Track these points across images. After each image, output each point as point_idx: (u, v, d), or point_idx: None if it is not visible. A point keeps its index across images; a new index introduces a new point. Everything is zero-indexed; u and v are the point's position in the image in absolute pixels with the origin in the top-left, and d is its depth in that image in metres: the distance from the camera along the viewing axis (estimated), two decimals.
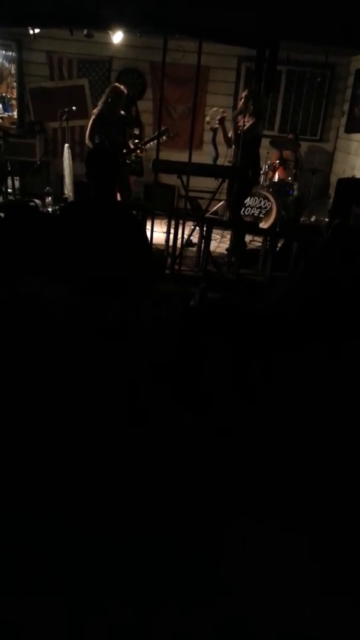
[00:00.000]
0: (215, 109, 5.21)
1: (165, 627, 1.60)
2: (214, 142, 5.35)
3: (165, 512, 2.04)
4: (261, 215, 6.17)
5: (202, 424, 2.56)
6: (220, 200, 5.94)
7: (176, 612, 1.64)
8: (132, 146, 5.38)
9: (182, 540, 1.91)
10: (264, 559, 1.88)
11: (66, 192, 6.25)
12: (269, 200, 6.12)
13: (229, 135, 5.22)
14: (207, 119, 5.34)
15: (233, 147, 5.22)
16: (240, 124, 4.99)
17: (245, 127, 4.93)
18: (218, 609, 1.67)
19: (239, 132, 4.97)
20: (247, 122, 4.98)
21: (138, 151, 5.38)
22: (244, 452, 2.41)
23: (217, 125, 5.23)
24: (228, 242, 5.62)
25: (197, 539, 1.93)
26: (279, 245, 4.99)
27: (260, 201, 6.14)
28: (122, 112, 5.22)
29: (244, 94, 5.08)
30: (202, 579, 1.77)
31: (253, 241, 5.85)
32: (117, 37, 6.16)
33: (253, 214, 6.16)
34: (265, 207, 6.15)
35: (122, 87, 5.19)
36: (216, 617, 1.64)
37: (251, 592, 1.75)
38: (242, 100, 5.05)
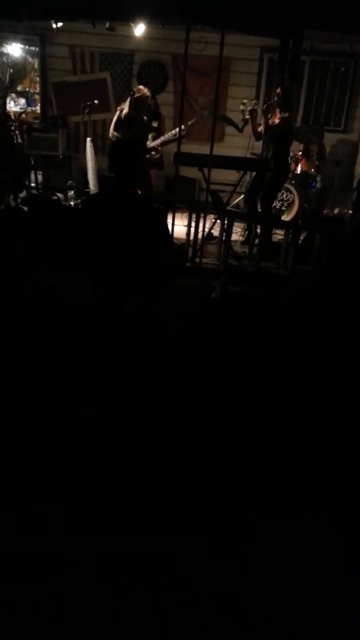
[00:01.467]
0: (248, 100, 5.16)
1: (186, 628, 1.59)
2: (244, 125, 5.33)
3: (184, 508, 2.05)
4: (283, 208, 6.10)
5: (223, 415, 2.57)
6: (242, 194, 5.90)
7: (196, 614, 1.63)
8: (150, 145, 5.42)
9: (198, 538, 1.92)
10: (289, 557, 1.87)
11: (90, 186, 6.28)
12: (291, 193, 6.05)
13: (259, 129, 5.17)
14: (242, 107, 5.28)
15: (262, 141, 5.18)
16: (273, 119, 4.95)
17: (278, 122, 4.89)
18: (242, 614, 1.65)
19: (270, 125, 4.92)
20: (278, 117, 4.92)
21: (153, 153, 5.42)
22: (265, 445, 2.41)
23: (248, 116, 5.19)
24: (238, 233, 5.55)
25: (217, 536, 1.94)
26: (301, 238, 4.94)
27: (283, 193, 6.08)
28: (145, 117, 5.28)
29: (277, 90, 5.02)
30: (223, 578, 1.76)
31: (275, 234, 5.80)
32: (139, 29, 6.14)
33: (275, 206, 6.10)
34: (288, 200, 6.08)
35: (145, 90, 5.23)
36: (240, 623, 1.62)
37: (276, 594, 1.73)
38: (276, 96, 4.98)
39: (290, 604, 1.68)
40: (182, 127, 4.95)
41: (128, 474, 2.17)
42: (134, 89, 5.31)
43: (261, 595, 1.70)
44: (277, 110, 4.96)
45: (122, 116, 5.17)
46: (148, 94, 5.24)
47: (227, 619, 1.61)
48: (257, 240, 5.22)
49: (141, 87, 5.41)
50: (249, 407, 2.62)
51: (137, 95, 5.11)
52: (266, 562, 1.83)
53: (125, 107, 5.17)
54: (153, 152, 5.48)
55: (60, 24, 6.58)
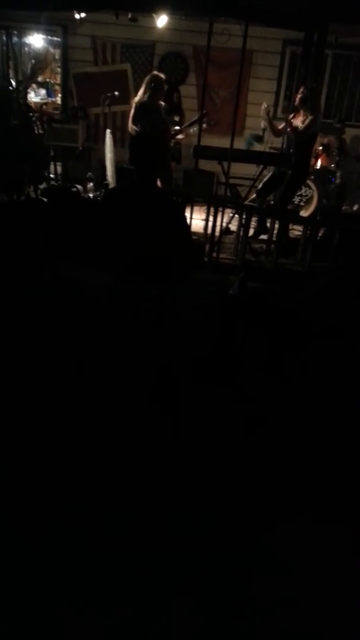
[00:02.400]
0: (264, 106, 5.08)
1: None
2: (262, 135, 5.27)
3: (200, 505, 2.07)
4: (302, 204, 6.06)
5: (238, 412, 2.58)
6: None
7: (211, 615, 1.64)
8: (175, 130, 5.35)
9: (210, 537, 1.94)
10: (306, 558, 1.88)
11: (108, 178, 6.29)
12: (310, 188, 6.00)
13: (279, 127, 5.10)
14: (262, 122, 5.20)
15: (285, 138, 5.14)
16: (297, 122, 4.87)
17: (303, 125, 4.80)
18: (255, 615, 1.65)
19: (295, 129, 4.86)
20: (304, 119, 4.85)
21: (179, 136, 5.35)
22: (280, 444, 2.42)
23: (265, 125, 5.13)
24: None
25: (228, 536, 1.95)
26: (320, 234, 4.90)
27: (301, 189, 6.03)
28: (162, 103, 5.21)
29: (300, 90, 4.93)
30: (238, 580, 1.77)
31: (292, 230, 5.76)
32: (162, 20, 6.11)
33: (293, 201, 6.05)
34: (306, 195, 6.03)
35: (161, 75, 5.16)
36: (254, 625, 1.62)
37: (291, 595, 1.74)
38: (300, 96, 4.90)
39: (298, 601, 1.70)
40: (204, 126, 4.90)
41: (137, 472, 2.18)
42: (148, 76, 5.23)
43: (270, 595, 1.72)
44: (301, 111, 4.86)
45: (137, 104, 5.10)
46: (162, 76, 5.14)
47: (234, 619, 1.63)
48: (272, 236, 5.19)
49: (154, 72, 5.34)
50: (265, 405, 2.63)
51: (152, 84, 5.02)
52: (277, 560, 1.84)
53: (141, 94, 5.11)
54: (179, 135, 5.35)
55: (83, 15, 6.58)
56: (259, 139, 5.66)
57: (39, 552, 1.77)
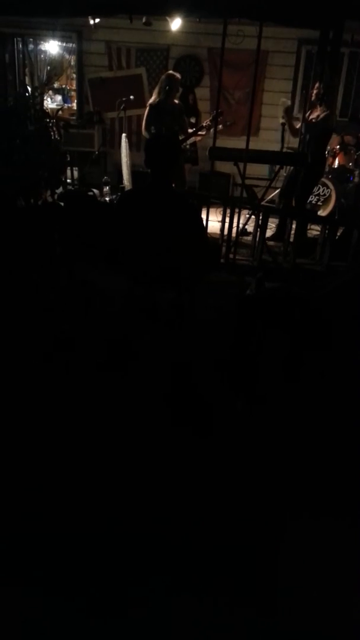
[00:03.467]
0: (282, 100, 5.05)
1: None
2: (282, 136, 5.23)
3: (220, 506, 2.05)
4: (319, 203, 5.99)
5: (257, 413, 2.55)
6: (276, 189, 5.82)
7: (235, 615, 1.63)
8: (190, 132, 5.34)
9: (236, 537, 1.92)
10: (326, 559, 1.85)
11: (124, 182, 6.32)
12: (327, 187, 5.93)
13: (297, 126, 5.08)
14: (282, 121, 5.16)
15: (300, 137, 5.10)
16: (313, 116, 4.85)
17: (318, 120, 4.79)
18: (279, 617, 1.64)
19: (310, 121, 4.83)
20: (319, 114, 4.83)
21: (197, 136, 5.34)
22: (299, 445, 2.38)
23: (283, 120, 5.10)
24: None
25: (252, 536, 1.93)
26: (338, 233, 4.84)
27: (319, 188, 5.96)
28: (176, 101, 5.20)
29: (316, 86, 4.91)
30: (261, 581, 1.75)
31: (310, 229, 5.70)
32: (176, 23, 6.12)
33: (311, 201, 5.99)
34: (324, 194, 5.96)
35: (176, 74, 5.16)
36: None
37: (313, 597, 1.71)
38: (315, 92, 4.88)
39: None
40: (220, 126, 4.89)
41: (150, 473, 2.18)
42: (163, 76, 5.22)
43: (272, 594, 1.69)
44: (317, 106, 4.85)
45: (151, 105, 5.08)
46: (177, 75, 5.14)
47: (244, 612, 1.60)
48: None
49: (170, 72, 5.33)
50: (284, 406, 2.60)
51: (166, 84, 5.02)
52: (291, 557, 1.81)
53: (154, 96, 5.11)
54: (187, 146, 5.40)
55: (97, 20, 6.63)
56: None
57: (47, 544, 1.77)
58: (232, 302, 2.89)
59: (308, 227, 5.44)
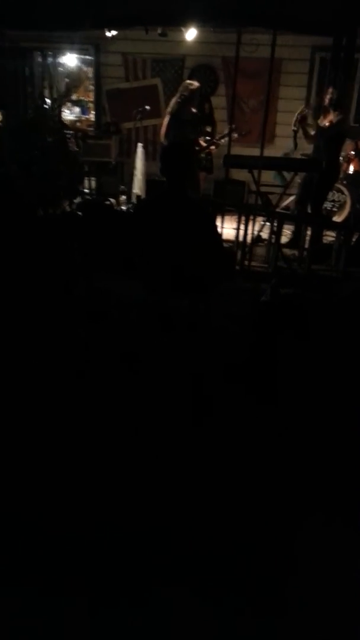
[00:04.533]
0: (302, 109, 5.11)
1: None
2: (295, 142, 5.26)
3: (233, 509, 2.07)
4: (334, 209, 5.99)
5: (274, 418, 2.57)
6: (291, 195, 5.85)
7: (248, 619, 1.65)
8: (203, 144, 5.43)
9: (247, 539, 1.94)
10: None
11: (136, 189, 6.39)
12: (343, 193, 5.93)
13: (312, 132, 5.11)
14: (293, 126, 5.20)
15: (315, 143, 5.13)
16: (326, 122, 4.88)
17: (331, 124, 4.82)
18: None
19: (324, 127, 4.86)
20: (333, 119, 4.86)
21: (212, 147, 5.42)
22: (316, 449, 2.40)
23: (295, 129, 5.13)
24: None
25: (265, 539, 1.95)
26: (354, 239, 4.83)
27: (334, 194, 5.96)
28: (194, 110, 5.28)
29: (329, 91, 4.94)
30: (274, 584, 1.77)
31: (326, 235, 5.71)
32: (191, 34, 6.21)
33: (326, 207, 5.99)
34: (339, 200, 5.96)
35: (195, 83, 5.23)
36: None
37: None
38: (329, 96, 4.91)
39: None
40: (233, 126, 4.96)
41: (160, 475, 2.21)
42: (185, 83, 5.29)
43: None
44: (330, 111, 4.88)
45: (171, 113, 5.15)
46: (195, 84, 5.20)
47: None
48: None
49: (188, 81, 5.40)
50: (299, 409, 2.61)
51: (185, 92, 5.09)
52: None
53: (173, 105, 5.17)
54: (202, 155, 5.49)
55: (114, 33, 6.76)
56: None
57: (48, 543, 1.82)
58: (247, 310, 2.92)
59: (323, 233, 5.45)
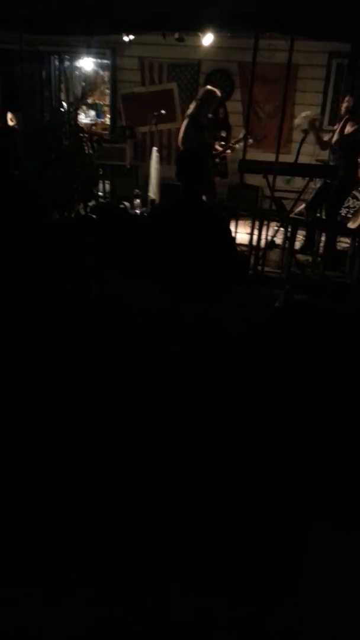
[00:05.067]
0: (306, 113, 5.09)
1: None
2: (300, 144, 5.26)
3: (248, 516, 2.06)
4: (349, 215, 5.95)
5: (281, 424, 2.55)
6: (305, 201, 5.82)
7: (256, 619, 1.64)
8: (219, 148, 5.44)
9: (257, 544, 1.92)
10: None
11: (150, 193, 6.42)
12: (358, 200, 5.90)
13: (325, 139, 5.09)
14: (297, 121, 5.21)
15: (332, 150, 5.11)
16: (343, 128, 4.87)
17: (348, 133, 4.81)
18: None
19: (340, 134, 4.85)
20: (349, 127, 4.84)
21: (228, 151, 5.44)
22: (330, 458, 2.37)
23: (305, 127, 5.12)
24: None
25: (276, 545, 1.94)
26: None
27: (349, 200, 5.93)
28: (210, 116, 5.29)
29: (346, 99, 4.93)
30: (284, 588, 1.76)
31: (340, 242, 5.67)
32: (207, 39, 6.22)
33: (340, 213, 5.96)
34: (354, 207, 5.92)
35: (216, 91, 5.25)
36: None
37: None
38: (345, 104, 4.90)
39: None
40: (250, 140, 4.96)
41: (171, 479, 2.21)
42: (202, 90, 5.33)
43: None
44: (347, 118, 4.85)
45: (189, 118, 5.18)
46: (218, 92, 5.23)
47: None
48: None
49: (208, 86, 5.43)
50: (311, 418, 2.59)
51: (204, 97, 5.14)
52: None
53: (192, 110, 5.20)
54: (217, 160, 5.53)
55: (131, 37, 6.80)
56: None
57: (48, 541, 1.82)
58: (260, 314, 2.91)
59: (337, 240, 5.42)
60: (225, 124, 7.01)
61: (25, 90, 6.48)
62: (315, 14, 4.59)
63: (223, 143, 5.82)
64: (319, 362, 2.66)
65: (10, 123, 6.49)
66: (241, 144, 5.15)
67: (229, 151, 5.51)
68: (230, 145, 5.48)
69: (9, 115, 6.55)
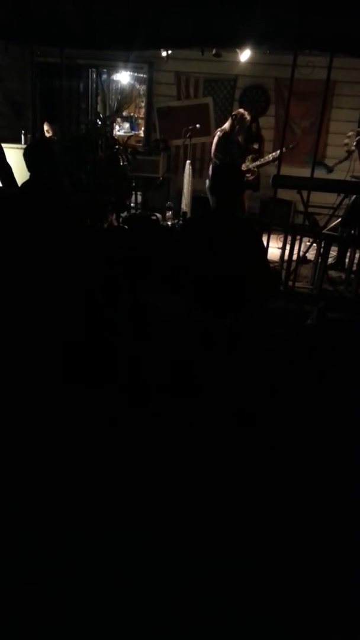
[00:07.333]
0: (352, 132, 5.13)
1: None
2: (341, 161, 5.28)
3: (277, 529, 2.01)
4: None
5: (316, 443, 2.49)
6: (339, 217, 5.75)
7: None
8: (250, 166, 5.60)
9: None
10: None
11: (183, 206, 6.46)
12: None
13: None
14: (346, 141, 5.27)
15: None
16: None
17: None
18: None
19: None
20: None
21: (249, 175, 5.60)
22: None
23: (353, 148, 5.12)
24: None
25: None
26: None
27: None
28: (239, 138, 5.55)
29: None
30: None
31: None
32: (245, 55, 6.26)
33: None
34: None
35: (248, 116, 5.49)
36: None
37: None
38: None
39: None
40: (283, 149, 4.98)
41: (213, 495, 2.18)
42: (236, 112, 5.54)
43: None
44: None
45: (222, 134, 5.45)
46: (248, 117, 5.49)
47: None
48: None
49: (242, 110, 5.65)
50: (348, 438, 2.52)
51: (238, 117, 5.41)
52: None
53: (227, 125, 5.47)
54: (249, 175, 5.65)
55: (169, 52, 6.89)
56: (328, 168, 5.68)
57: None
58: (291, 330, 2.86)
59: None
60: (258, 137, 7.03)
61: (63, 103, 6.62)
62: (355, 31, 4.57)
63: (255, 156, 5.87)
64: (355, 382, 2.60)
65: (47, 134, 6.63)
66: (271, 157, 5.28)
67: (249, 174, 5.65)
68: (261, 161, 5.61)
69: (45, 127, 6.69)
